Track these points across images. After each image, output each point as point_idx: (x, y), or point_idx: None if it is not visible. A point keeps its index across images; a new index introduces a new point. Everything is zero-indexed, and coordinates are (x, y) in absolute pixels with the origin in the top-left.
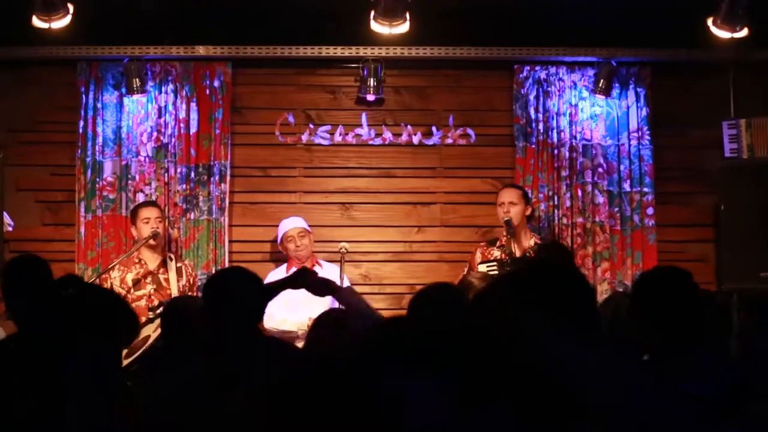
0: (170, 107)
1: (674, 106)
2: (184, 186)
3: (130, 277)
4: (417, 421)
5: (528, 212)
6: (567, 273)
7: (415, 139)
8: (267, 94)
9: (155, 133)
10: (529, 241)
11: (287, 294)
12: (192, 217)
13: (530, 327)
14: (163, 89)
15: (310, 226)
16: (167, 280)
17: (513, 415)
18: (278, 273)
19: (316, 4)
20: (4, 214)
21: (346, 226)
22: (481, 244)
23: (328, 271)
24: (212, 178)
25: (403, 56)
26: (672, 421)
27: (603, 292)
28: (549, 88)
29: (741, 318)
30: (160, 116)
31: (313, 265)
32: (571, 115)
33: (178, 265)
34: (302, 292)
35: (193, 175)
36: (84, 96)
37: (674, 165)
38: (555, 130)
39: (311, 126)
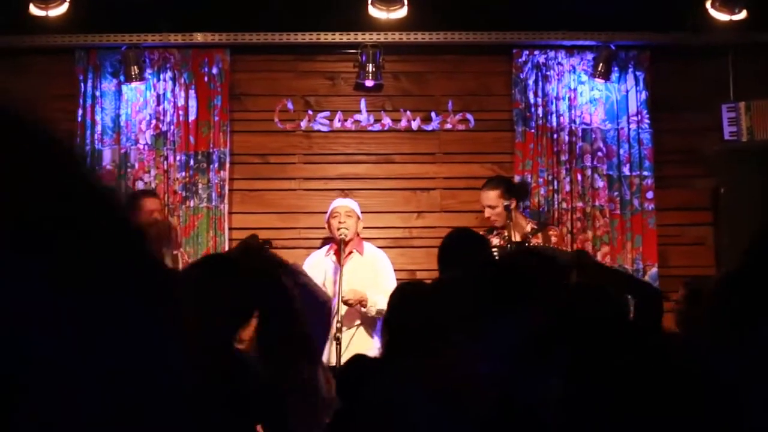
0: (169, 95)
1: (673, 89)
2: (183, 174)
3: None
4: None
5: (513, 205)
6: None
7: (414, 125)
8: (266, 80)
9: (154, 121)
10: (527, 227)
11: None
12: (191, 204)
13: None
14: (162, 77)
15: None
16: None
17: None
18: (318, 255)
19: None
20: None
21: None
22: (480, 232)
23: (369, 255)
24: (211, 166)
25: (401, 42)
26: None
27: None
28: (548, 73)
29: None
30: (158, 104)
31: (351, 252)
32: (570, 99)
33: (175, 252)
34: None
35: (192, 162)
36: (82, 84)
37: (674, 148)
38: (554, 115)
39: (310, 112)
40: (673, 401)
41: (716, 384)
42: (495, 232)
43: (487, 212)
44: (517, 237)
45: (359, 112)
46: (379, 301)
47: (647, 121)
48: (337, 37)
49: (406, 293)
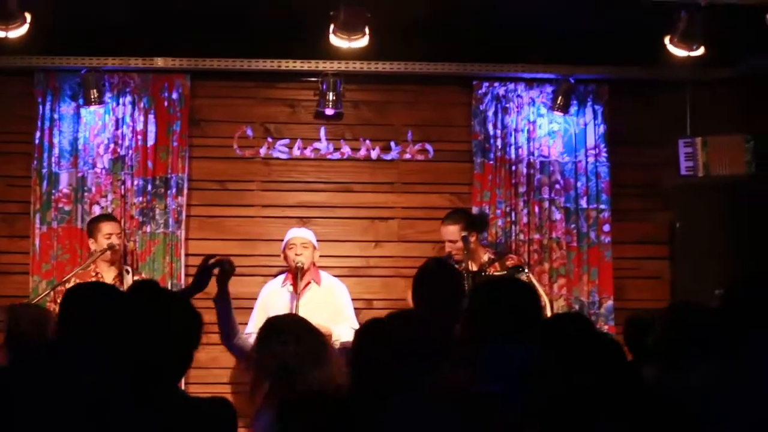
0: (128, 119)
1: (631, 123)
2: (140, 198)
3: None
4: None
5: (473, 238)
6: None
7: (374, 154)
8: (225, 107)
9: (112, 145)
10: (484, 256)
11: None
12: (148, 230)
13: None
14: (121, 101)
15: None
16: None
17: None
18: (274, 284)
19: (276, 18)
20: None
21: None
22: None
23: (326, 286)
24: (169, 191)
25: (362, 71)
26: None
27: (559, 308)
28: (507, 105)
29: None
30: (117, 128)
31: (309, 282)
32: (529, 131)
33: (135, 278)
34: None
35: (150, 187)
36: (41, 106)
37: (631, 182)
38: (513, 147)
39: (270, 139)
40: (648, 416)
41: (688, 400)
42: (451, 260)
43: (448, 247)
44: (474, 267)
45: (319, 140)
46: (342, 333)
47: (605, 154)
48: (298, 65)
49: (369, 330)
